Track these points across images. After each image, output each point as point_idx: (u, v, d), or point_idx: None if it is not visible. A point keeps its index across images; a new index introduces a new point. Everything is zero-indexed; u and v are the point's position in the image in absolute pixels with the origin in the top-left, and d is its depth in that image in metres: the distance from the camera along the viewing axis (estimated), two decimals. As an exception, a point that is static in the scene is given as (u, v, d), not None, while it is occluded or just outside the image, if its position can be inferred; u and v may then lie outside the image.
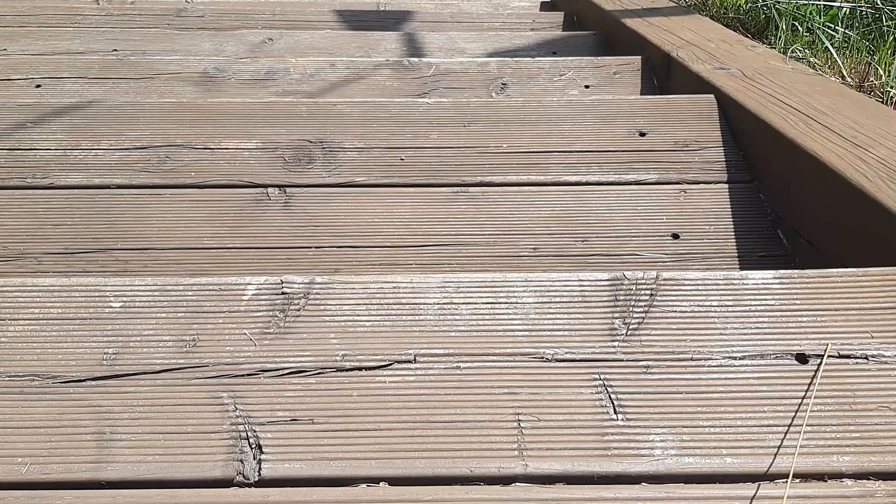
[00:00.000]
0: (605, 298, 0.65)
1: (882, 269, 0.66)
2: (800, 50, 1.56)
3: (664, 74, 1.45)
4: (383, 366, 0.60)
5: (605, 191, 1.04)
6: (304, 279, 0.66)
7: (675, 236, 0.99)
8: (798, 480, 0.53)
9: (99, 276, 0.92)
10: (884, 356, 0.60)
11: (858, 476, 0.54)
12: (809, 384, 0.59)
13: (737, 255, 0.97)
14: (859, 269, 0.67)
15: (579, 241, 0.98)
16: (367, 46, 1.87)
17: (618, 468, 0.54)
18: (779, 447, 0.55)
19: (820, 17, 1.80)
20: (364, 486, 0.54)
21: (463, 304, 0.64)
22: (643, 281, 0.66)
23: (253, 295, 0.65)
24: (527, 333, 0.62)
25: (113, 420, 0.56)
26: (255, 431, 0.56)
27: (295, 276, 0.66)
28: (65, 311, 0.63)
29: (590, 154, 1.08)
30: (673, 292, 0.65)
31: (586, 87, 1.50)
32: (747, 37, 1.68)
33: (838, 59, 1.50)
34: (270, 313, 0.64)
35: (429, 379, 0.59)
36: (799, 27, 1.77)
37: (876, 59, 1.48)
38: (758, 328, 0.62)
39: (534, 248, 0.97)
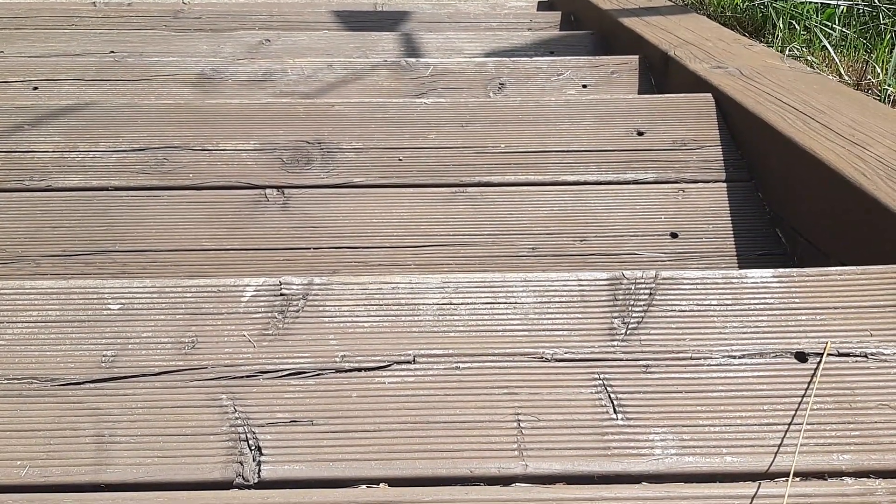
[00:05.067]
0: (604, 298, 0.65)
1: (881, 267, 0.67)
2: (797, 48, 1.56)
3: (662, 73, 1.45)
4: (382, 366, 0.60)
5: (603, 190, 1.04)
6: (303, 280, 0.66)
7: (674, 235, 0.99)
8: (798, 479, 0.53)
9: (97, 278, 0.92)
10: (883, 354, 0.60)
11: (859, 474, 0.54)
12: (809, 383, 0.59)
13: (735, 253, 0.97)
14: (858, 268, 0.67)
15: (578, 240, 0.98)
16: (365, 47, 1.87)
17: (618, 468, 0.54)
18: (779, 446, 0.55)
19: (817, 16, 1.80)
20: (364, 487, 0.53)
21: (462, 304, 0.64)
22: (642, 280, 0.66)
23: (251, 296, 0.65)
24: (526, 333, 0.62)
25: (112, 422, 0.56)
26: (254, 433, 0.56)
27: (293, 278, 0.66)
28: (63, 313, 0.63)
29: (588, 153, 1.08)
30: (672, 291, 0.65)
31: (584, 86, 1.50)
32: (745, 36, 1.68)
33: (836, 58, 1.50)
34: (269, 315, 0.63)
35: (428, 379, 0.59)
36: (796, 26, 1.77)
37: (873, 57, 1.48)
38: (757, 327, 0.62)
39: (532, 248, 0.97)
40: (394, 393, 0.58)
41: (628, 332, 0.62)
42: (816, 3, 1.83)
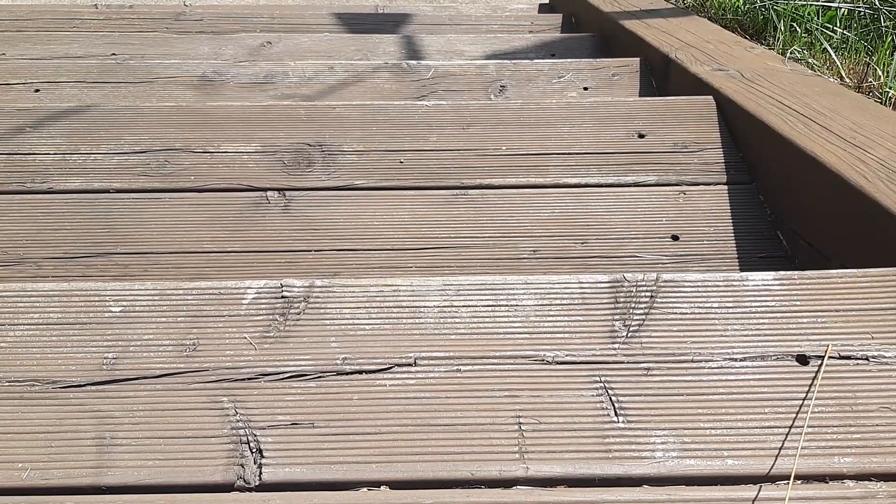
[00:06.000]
0: (605, 300, 0.65)
1: (882, 269, 0.66)
2: (798, 51, 1.57)
3: (663, 76, 1.45)
4: (384, 369, 0.60)
5: (604, 192, 1.04)
6: (304, 283, 0.66)
7: (675, 238, 0.99)
8: (799, 482, 0.53)
9: (98, 280, 0.92)
10: (884, 357, 0.60)
11: (860, 477, 0.54)
12: (810, 385, 0.59)
13: (737, 256, 0.97)
14: (859, 270, 0.67)
15: (579, 243, 0.98)
16: (366, 49, 1.87)
17: (619, 470, 0.54)
18: (780, 449, 0.55)
19: (818, 18, 1.80)
20: (365, 489, 0.53)
21: (463, 306, 0.64)
22: (643, 283, 0.66)
23: (253, 299, 0.65)
24: (527, 336, 0.62)
25: (113, 425, 0.56)
26: (255, 435, 0.56)
27: (295, 280, 0.66)
28: (64, 315, 0.63)
29: (589, 156, 1.08)
30: (673, 294, 0.65)
31: (585, 88, 1.50)
32: (746, 38, 1.69)
33: (837, 60, 1.50)
34: (270, 317, 0.63)
35: (429, 382, 0.59)
36: (797, 28, 1.77)
37: (874, 59, 1.48)
38: (758, 329, 0.62)
39: (533, 251, 0.97)
40: (395, 395, 0.58)
41: (629, 335, 0.62)
42: (817, 5, 1.83)
